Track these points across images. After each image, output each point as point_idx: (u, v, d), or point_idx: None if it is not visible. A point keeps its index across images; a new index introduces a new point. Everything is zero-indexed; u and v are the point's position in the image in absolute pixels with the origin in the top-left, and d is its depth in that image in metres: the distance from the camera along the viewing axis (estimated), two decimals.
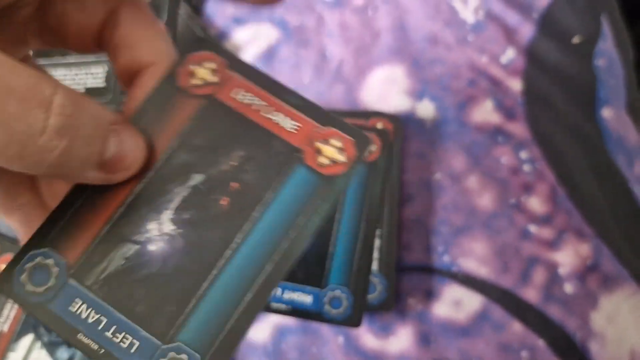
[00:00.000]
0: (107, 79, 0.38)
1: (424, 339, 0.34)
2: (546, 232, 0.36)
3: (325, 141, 0.21)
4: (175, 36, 0.39)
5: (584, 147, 0.38)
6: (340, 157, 0.21)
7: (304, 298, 0.32)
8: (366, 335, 0.34)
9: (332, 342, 0.34)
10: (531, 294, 0.35)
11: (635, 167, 0.39)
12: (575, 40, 0.41)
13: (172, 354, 0.18)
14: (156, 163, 0.21)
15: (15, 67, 0.15)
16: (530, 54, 0.40)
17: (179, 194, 0.20)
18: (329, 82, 0.39)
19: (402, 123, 0.37)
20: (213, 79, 0.22)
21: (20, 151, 0.15)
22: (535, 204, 0.36)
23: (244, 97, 0.21)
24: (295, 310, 0.32)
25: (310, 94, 0.38)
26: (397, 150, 0.36)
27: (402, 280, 0.35)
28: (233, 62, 0.22)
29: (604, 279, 0.36)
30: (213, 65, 0.22)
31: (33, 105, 0.15)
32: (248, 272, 0.20)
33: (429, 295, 0.35)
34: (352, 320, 0.31)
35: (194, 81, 0.22)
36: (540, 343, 0.34)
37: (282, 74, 0.39)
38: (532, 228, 0.36)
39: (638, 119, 0.42)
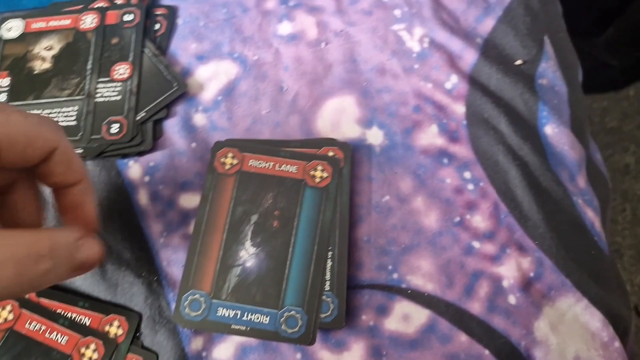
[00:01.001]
0: (78, 117, 0.41)
1: (376, 352, 0.36)
2: (489, 248, 0.38)
3: (314, 169, 0.38)
4: (140, 75, 0.42)
5: (523, 165, 0.40)
6: (325, 174, 0.38)
7: (262, 319, 0.35)
8: (322, 351, 0.36)
9: (290, 358, 0.36)
10: (476, 307, 0.37)
11: (577, 180, 0.42)
12: (518, 62, 0.44)
13: (286, 314, 0.34)
14: (227, 218, 0.37)
15: (14, 237, 0.24)
16: (473, 78, 0.42)
17: (249, 229, 0.36)
18: (285, 112, 0.42)
19: (352, 150, 0.39)
20: (235, 161, 0.38)
21: (29, 289, 0.25)
22: (479, 221, 0.39)
23: (258, 163, 0.38)
24: (254, 331, 0.34)
25: (268, 125, 0.41)
26: (346, 175, 0.38)
27: (355, 297, 0.37)
28: (243, 147, 0.38)
29: (547, 289, 0.38)
30: (232, 154, 0.38)
31: (30, 263, 0.24)
32: (306, 255, 0.36)
33: (380, 311, 0.37)
34: (306, 339, 0.34)
35: (226, 167, 0.38)
36: (486, 353, 0.36)
37: (242, 107, 0.42)
38: (476, 244, 0.38)
39: (582, 135, 0.44)
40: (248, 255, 0.36)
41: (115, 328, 0.36)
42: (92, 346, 0.35)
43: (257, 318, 0.34)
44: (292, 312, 0.34)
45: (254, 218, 0.36)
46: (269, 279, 0.35)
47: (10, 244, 0.24)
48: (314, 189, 0.37)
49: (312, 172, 0.38)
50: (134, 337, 0.36)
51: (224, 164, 0.38)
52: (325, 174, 0.37)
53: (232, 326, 0.34)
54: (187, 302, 0.35)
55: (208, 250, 0.36)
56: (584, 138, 0.45)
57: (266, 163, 0.38)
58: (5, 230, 0.25)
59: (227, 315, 0.35)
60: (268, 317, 0.34)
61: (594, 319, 0.38)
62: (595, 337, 0.37)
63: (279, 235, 0.36)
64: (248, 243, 0.36)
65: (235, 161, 0.38)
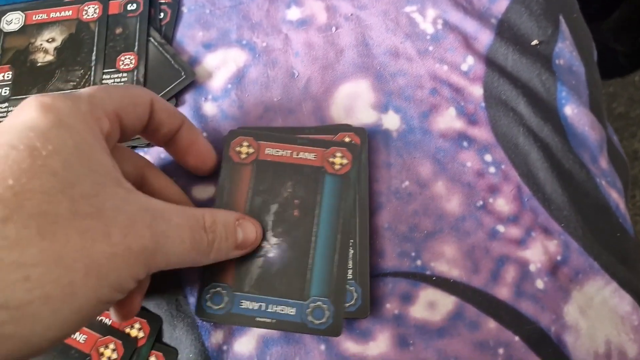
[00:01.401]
0: None
1: (403, 341, 0.35)
2: (514, 231, 0.37)
3: (333, 156, 0.36)
4: (146, 64, 0.41)
5: (545, 146, 0.39)
6: (345, 161, 0.36)
7: (288, 310, 0.33)
8: (346, 342, 0.35)
9: (314, 350, 0.35)
10: (503, 292, 0.36)
11: (599, 161, 0.41)
12: (534, 42, 0.43)
13: (312, 305, 0.33)
14: (245, 209, 0.35)
15: (180, 210, 0.28)
16: (490, 59, 0.41)
17: (269, 219, 0.35)
18: (298, 99, 0.40)
19: (368, 135, 0.38)
20: (251, 150, 0.36)
21: (196, 257, 0.29)
22: (502, 204, 0.38)
23: (275, 151, 0.36)
24: (280, 323, 0.33)
25: (281, 112, 0.40)
26: (364, 161, 0.37)
27: (378, 286, 0.36)
28: (258, 135, 0.36)
29: (575, 273, 0.37)
30: (247, 143, 0.36)
31: (200, 231, 0.29)
32: (329, 244, 0.34)
33: (405, 299, 0.36)
34: (334, 330, 0.33)
35: (242, 156, 0.36)
36: (516, 339, 0.35)
37: (253, 94, 0.41)
38: (500, 228, 0.37)
39: (601, 115, 0.43)
40: (270, 245, 0.34)
41: (137, 330, 0.35)
42: (112, 346, 0.34)
43: (283, 310, 0.33)
44: (319, 303, 0.33)
45: (274, 208, 0.35)
46: (293, 270, 0.34)
47: (184, 213, 0.28)
48: (334, 176, 0.36)
49: (331, 159, 0.36)
50: (155, 341, 0.35)
51: (239, 153, 0.36)
52: (344, 161, 0.36)
53: (257, 319, 0.33)
54: (209, 295, 0.33)
55: None
56: (603, 119, 0.44)
57: (283, 151, 0.36)
58: (176, 205, 0.28)
59: (251, 307, 0.33)
60: (294, 309, 0.33)
61: (623, 303, 0.37)
62: (625, 320, 0.36)
63: (301, 225, 0.35)
64: (269, 233, 0.34)
65: (251, 150, 0.36)
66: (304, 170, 0.36)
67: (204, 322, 0.36)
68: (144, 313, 0.36)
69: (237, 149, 0.36)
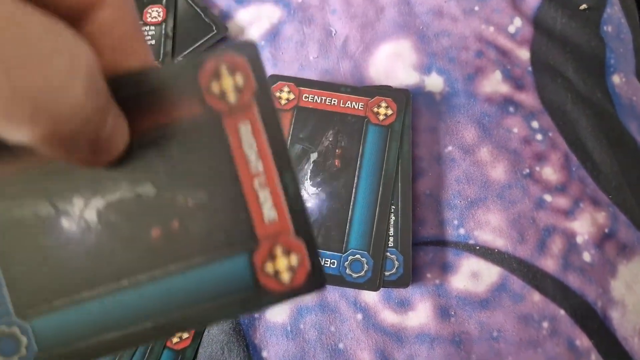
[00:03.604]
0: None
1: (444, 312, 0.33)
2: (562, 201, 0.35)
3: (378, 106, 0.34)
4: (175, 18, 0.39)
5: (594, 114, 0.37)
6: (389, 111, 0.34)
7: (325, 262, 0.32)
8: (385, 312, 0.33)
9: (350, 319, 0.33)
10: (549, 264, 0.34)
11: None
12: (582, 6, 0.41)
13: (350, 257, 0.31)
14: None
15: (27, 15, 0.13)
16: (537, 22, 0.39)
17: (308, 168, 0.33)
18: (335, 58, 0.38)
19: (411, 96, 0.36)
20: (291, 96, 0.34)
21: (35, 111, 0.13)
22: (549, 173, 0.36)
23: (316, 99, 0.34)
24: None
25: (317, 71, 0.38)
26: (407, 124, 0.35)
27: (418, 255, 0.34)
28: (299, 81, 0.34)
29: (622, 246, 0.35)
30: (288, 88, 0.34)
31: (51, 54, 0.13)
32: (370, 196, 0.32)
33: (447, 268, 0.34)
34: (373, 284, 0.31)
35: (282, 102, 0.34)
36: (562, 313, 0.34)
37: (288, 52, 0.39)
38: (547, 197, 0.35)
39: None
40: (308, 195, 0.33)
41: None
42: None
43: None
44: (357, 256, 0.32)
45: (313, 157, 0.33)
46: (332, 221, 0.32)
47: None
48: (378, 126, 0.34)
49: (375, 109, 0.34)
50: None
51: (279, 98, 0.34)
52: (389, 111, 0.34)
53: None
54: None
55: None
56: None
57: (325, 99, 0.34)
58: None
59: None
60: (331, 261, 0.31)
61: None
62: None
63: (341, 176, 0.33)
64: (307, 183, 0.33)
65: (291, 96, 0.34)
66: (346, 120, 0.34)
67: None
68: None
69: (277, 94, 0.35)
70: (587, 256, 0.35)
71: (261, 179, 0.16)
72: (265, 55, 0.38)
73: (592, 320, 0.34)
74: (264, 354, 0.33)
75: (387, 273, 0.32)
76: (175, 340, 0.33)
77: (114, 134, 0.15)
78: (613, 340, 0.33)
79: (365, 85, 0.38)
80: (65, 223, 0.16)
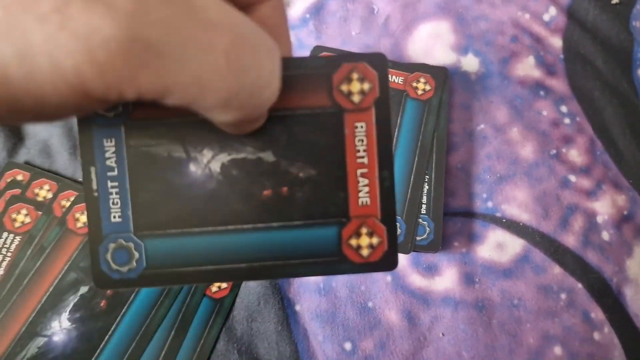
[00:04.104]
0: None
1: (469, 279, 0.35)
2: (585, 182, 0.37)
3: (417, 81, 0.36)
4: None
5: (620, 103, 0.39)
6: (428, 87, 0.35)
7: None
8: (413, 275, 0.35)
9: (380, 280, 0.35)
10: (570, 240, 0.36)
11: None
12: (614, 1, 0.42)
13: None
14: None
15: (244, 19, 0.15)
16: (571, 13, 0.41)
17: None
18: (376, 35, 0.40)
19: (449, 74, 0.38)
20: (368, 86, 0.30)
21: (245, 102, 0.15)
22: (575, 155, 0.38)
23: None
24: None
25: (358, 46, 0.39)
26: (444, 100, 0.37)
27: (447, 224, 0.36)
28: (342, 53, 0.31)
29: (639, 228, 0.37)
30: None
31: (264, 55, 0.15)
32: (406, 166, 0.34)
33: (473, 238, 0.36)
34: (404, 248, 0.33)
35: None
36: (579, 286, 0.35)
37: (331, 26, 0.40)
38: (572, 177, 0.37)
39: None
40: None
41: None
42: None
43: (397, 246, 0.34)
44: None
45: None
46: None
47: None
48: (416, 100, 0.36)
49: (414, 84, 0.36)
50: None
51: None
52: (428, 87, 0.36)
53: None
54: None
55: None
56: None
57: None
58: None
59: None
60: None
61: None
62: None
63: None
64: None
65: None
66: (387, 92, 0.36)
67: None
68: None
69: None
70: (605, 235, 0.37)
71: (364, 169, 0.19)
72: (309, 28, 0.40)
73: (607, 295, 0.36)
74: (297, 307, 0.35)
75: (418, 238, 0.34)
76: (214, 289, 0.34)
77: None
78: (626, 316, 0.35)
79: (404, 62, 0.39)
80: (193, 167, 0.19)
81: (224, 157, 0.19)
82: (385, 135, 0.19)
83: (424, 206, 0.35)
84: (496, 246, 0.36)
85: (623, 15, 0.42)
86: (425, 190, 0.35)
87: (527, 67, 0.39)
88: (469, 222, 0.36)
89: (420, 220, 0.35)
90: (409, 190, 0.34)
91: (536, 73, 0.39)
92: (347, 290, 0.35)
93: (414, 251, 0.34)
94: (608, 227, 0.37)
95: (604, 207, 0.37)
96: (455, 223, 0.36)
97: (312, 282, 0.35)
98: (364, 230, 0.19)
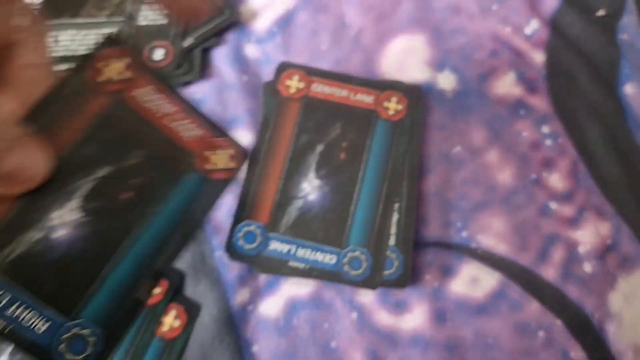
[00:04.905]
0: None
1: (439, 316, 0.33)
2: (566, 210, 0.35)
3: (388, 100, 0.33)
4: None
5: (605, 123, 0.37)
6: (400, 107, 0.33)
7: (323, 257, 0.31)
8: (380, 312, 0.33)
9: (345, 317, 0.33)
10: (550, 273, 0.34)
11: None
12: (600, 13, 0.40)
13: (349, 254, 0.30)
14: (289, 146, 0.31)
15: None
16: (554, 25, 0.39)
17: (313, 160, 0.30)
18: (347, 49, 0.38)
19: (423, 93, 0.35)
20: (301, 85, 0.31)
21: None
22: (556, 180, 0.35)
23: (327, 89, 0.33)
24: (313, 270, 0.31)
25: (328, 61, 0.37)
26: (417, 121, 0.34)
27: (419, 255, 0.34)
28: (310, 71, 0.31)
29: (623, 259, 0.35)
30: (298, 77, 0.31)
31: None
32: (375, 192, 0.32)
33: (446, 271, 0.34)
34: (371, 283, 0.31)
35: (291, 90, 0.31)
36: (558, 323, 0.33)
37: (300, 40, 0.38)
38: (553, 205, 0.35)
39: None
40: (311, 187, 0.32)
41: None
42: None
43: (318, 256, 0.31)
44: (357, 253, 0.31)
45: (319, 148, 0.33)
46: (333, 215, 0.32)
47: None
48: (387, 121, 0.33)
49: (385, 104, 0.34)
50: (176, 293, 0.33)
51: (288, 87, 0.34)
52: (400, 107, 0.33)
53: (290, 263, 0.31)
54: (241, 233, 0.31)
55: (267, 179, 0.32)
56: None
57: (335, 90, 0.34)
58: None
59: (284, 250, 0.31)
60: (329, 256, 0.31)
61: None
62: None
63: (346, 169, 0.32)
64: (312, 175, 0.32)
65: (301, 85, 0.34)
66: (355, 112, 0.33)
67: (230, 280, 0.33)
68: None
69: (287, 82, 0.34)
70: (587, 267, 0.34)
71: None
72: (277, 42, 0.38)
73: (588, 332, 0.33)
74: (255, 348, 0.32)
75: (386, 272, 0.32)
76: (165, 328, 0.32)
77: (23, 166, 0.18)
78: (607, 354, 0.33)
79: (377, 79, 0.37)
80: (311, 196, 0.26)
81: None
82: None
83: (393, 237, 0.32)
84: (470, 280, 0.34)
85: (609, 27, 0.40)
86: (395, 219, 0.33)
87: (506, 84, 0.37)
88: (442, 254, 0.34)
89: (388, 252, 0.32)
90: (377, 219, 0.32)
91: (516, 90, 0.37)
92: (308, 329, 0.33)
93: (381, 286, 0.32)
94: (590, 257, 0.34)
95: (586, 236, 0.35)
96: (427, 254, 0.34)
97: (272, 319, 0.33)
98: (392, 100, 0.32)
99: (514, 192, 0.35)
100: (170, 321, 0.32)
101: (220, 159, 0.23)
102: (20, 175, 0.18)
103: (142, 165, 0.22)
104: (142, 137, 0.22)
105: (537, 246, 0.34)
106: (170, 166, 0.22)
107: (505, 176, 0.35)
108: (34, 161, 0.19)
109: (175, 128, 0.22)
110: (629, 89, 0.38)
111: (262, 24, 0.38)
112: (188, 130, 0.22)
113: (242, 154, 0.23)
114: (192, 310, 0.33)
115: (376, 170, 0.33)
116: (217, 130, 0.23)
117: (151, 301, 0.32)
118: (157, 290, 0.32)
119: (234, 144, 0.23)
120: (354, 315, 0.33)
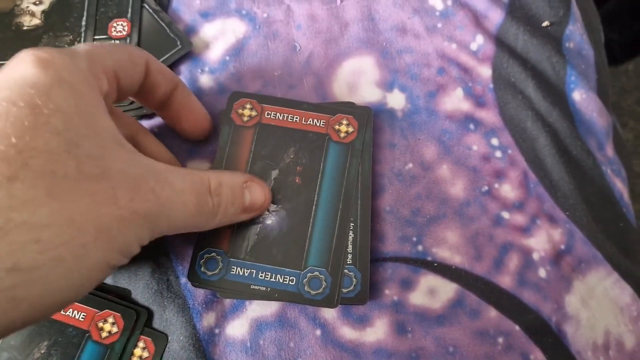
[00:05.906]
0: None
1: (401, 328, 0.34)
2: (519, 218, 0.36)
3: (339, 123, 0.35)
4: (140, 32, 0.39)
5: (554, 131, 0.38)
6: (350, 129, 0.35)
7: (284, 279, 0.32)
8: (343, 328, 0.34)
9: (309, 335, 0.34)
10: (506, 280, 0.35)
11: (606, 149, 0.40)
12: (545, 23, 0.41)
13: (309, 275, 0.32)
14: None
15: (184, 173, 0.27)
16: (499, 39, 0.40)
17: (269, 186, 0.33)
18: (299, 74, 0.39)
19: (373, 113, 0.36)
20: (254, 113, 0.35)
21: (201, 221, 0.28)
22: (507, 190, 0.36)
23: (279, 116, 0.35)
24: (275, 292, 0.32)
25: (281, 87, 0.38)
26: (368, 141, 0.35)
27: (377, 271, 0.35)
28: (262, 99, 0.35)
29: (577, 262, 0.36)
30: (250, 105, 0.35)
31: (205, 195, 0.27)
32: (330, 213, 0.33)
33: (404, 285, 0.35)
34: (331, 301, 0.32)
35: (244, 119, 0.35)
36: (517, 328, 0.34)
37: (252, 67, 0.39)
38: (505, 214, 0.36)
39: (608, 101, 0.42)
40: (268, 212, 0.33)
41: (110, 325, 0.33)
42: (110, 319, 0.33)
43: (278, 278, 0.32)
44: (316, 273, 0.32)
45: (274, 173, 0.34)
46: (291, 238, 0.33)
47: (188, 175, 0.27)
48: (339, 144, 0.34)
49: (336, 127, 0.35)
50: (144, 325, 0.33)
51: (241, 115, 0.35)
52: (350, 129, 0.35)
53: (252, 286, 0.32)
54: (203, 260, 0.32)
55: None
56: (609, 105, 0.43)
57: (287, 116, 0.35)
58: (180, 167, 0.27)
59: (246, 274, 0.32)
60: (289, 278, 0.32)
61: (623, 294, 0.36)
62: (625, 311, 0.36)
63: (301, 192, 0.33)
64: None
65: (254, 113, 0.35)
66: (307, 137, 0.34)
67: (196, 305, 0.34)
68: (117, 307, 0.34)
69: (240, 111, 0.35)
70: (542, 272, 0.35)
71: (300, 118, 0.35)
72: (229, 70, 0.39)
73: (547, 335, 0.34)
74: None
75: (345, 290, 0.33)
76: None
77: (254, 199, 0.31)
78: (567, 355, 0.34)
79: (329, 101, 0.38)
80: (269, 221, 0.33)
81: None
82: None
83: (350, 255, 0.33)
84: (428, 292, 0.35)
85: (555, 37, 0.41)
86: (351, 239, 0.34)
87: (455, 100, 0.38)
88: (399, 268, 0.35)
89: (346, 270, 0.33)
90: (334, 240, 0.33)
91: (465, 105, 0.38)
92: (275, 348, 0.33)
93: (341, 304, 0.33)
94: (545, 263, 0.35)
95: (539, 243, 0.36)
96: (386, 269, 0.35)
97: (239, 340, 0.34)
98: (343, 122, 0.35)
99: (466, 204, 0.36)
100: (139, 352, 0.33)
101: (344, 127, 0.35)
102: (253, 205, 0.31)
103: (297, 157, 0.34)
104: (289, 139, 0.35)
105: (492, 255, 0.35)
106: (315, 147, 0.35)
107: (457, 190, 0.36)
108: (258, 194, 0.31)
109: (307, 123, 0.35)
110: (577, 95, 0.40)
111: (214, 54, 0.39)
112: (314, 119, 0.36)
113: (355, 117, 0.36)
114: (159, 342, 0.33)
115: (330, 192, 0.34)
116: (334, 110, 0.36)
117: (109, 340, 0.32)
118: (114, 330, 0.33)
119: (348, 112, 0.36)
120: (318, 332, 0.34)
